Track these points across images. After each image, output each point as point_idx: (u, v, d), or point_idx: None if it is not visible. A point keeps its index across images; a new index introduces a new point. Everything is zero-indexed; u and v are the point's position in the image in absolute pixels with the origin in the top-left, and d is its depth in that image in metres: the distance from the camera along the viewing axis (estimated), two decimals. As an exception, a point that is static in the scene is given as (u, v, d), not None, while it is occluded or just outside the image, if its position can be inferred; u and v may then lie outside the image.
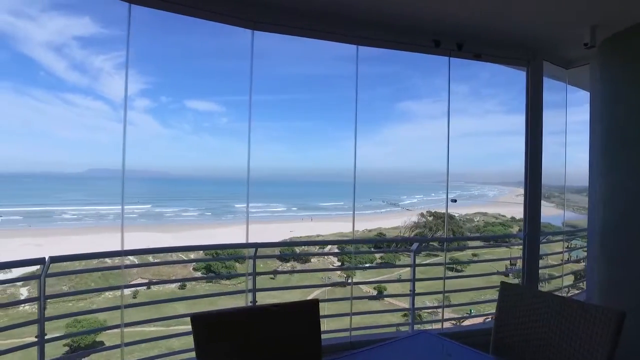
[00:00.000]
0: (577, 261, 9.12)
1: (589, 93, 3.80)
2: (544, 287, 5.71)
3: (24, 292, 17.85)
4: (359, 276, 19.21)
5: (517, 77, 3.82)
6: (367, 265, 20.24)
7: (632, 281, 3.03)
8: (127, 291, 17.06)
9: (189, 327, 1.51)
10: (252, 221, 3.54)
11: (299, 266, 22.53)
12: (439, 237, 27.21)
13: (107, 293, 16.34)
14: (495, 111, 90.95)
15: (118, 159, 2.60)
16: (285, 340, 1.67)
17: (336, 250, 20.16)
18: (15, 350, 2.25)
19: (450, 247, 6.26)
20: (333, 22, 3.03)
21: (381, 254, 23.54)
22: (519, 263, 3.90)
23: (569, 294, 5.38)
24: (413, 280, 3.49)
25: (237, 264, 20.71)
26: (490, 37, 3.39)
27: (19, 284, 18.01)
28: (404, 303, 14.15)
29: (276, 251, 17.74)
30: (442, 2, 2.79)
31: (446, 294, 3.76)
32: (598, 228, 3.39)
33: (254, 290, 3.00)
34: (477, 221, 36.83)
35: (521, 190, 3.96)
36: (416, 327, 3.63)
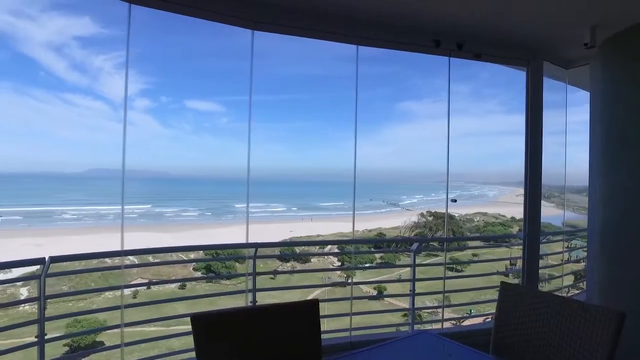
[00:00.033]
0: (577, 261, 9.12)
1: (589, 93, 3.80)
2: (544, 287, 5.71)
3: (24, 292, 17.86)
4: (359, 276, 19.21)
5: (518, 77, 3.82)
6: (367, 265, 20.24)
7: (632, 281, 3.03)
8: (127, 291, 17.07)
9: (189, 327, 1.51)
10: (252, 221, 3.54)
11: (299, 266, 22.53)
12: (439, 237, 27.21)
13: (107, 293, 16.34)
14: (496, 111, 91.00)
15: (118, 159, 2.60)
16: (285, 341, 1.67)
17: (336, 250, 20.17)
18: (15, 350, 2.25)
19: (450, 247, 6.26)
20: (333, 22, 3.03)
21: (381, 254, 23.54)
22: (519, 263, 3.90)
23: (569, 294, 5.38)
24: (413, 280, 3.49)
25: (237, 264, 20.71)
26: (491, 37, 3.39)
27: (19, 284, 18.02)
28: (404, 303, 14.15)
29: (276, 251, 17.74)
30: (442, 2, 2.79)
31: (446, 294, 3.76)
32: (598, 228, 3.39)
33: (254, 290, 3.00)
34: (477, 221, 36.82)
35: (521, 190, 3.96)
36: (416, 327, 3.63)
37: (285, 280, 18.69)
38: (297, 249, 22.06)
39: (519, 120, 3.74)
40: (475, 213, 40.17)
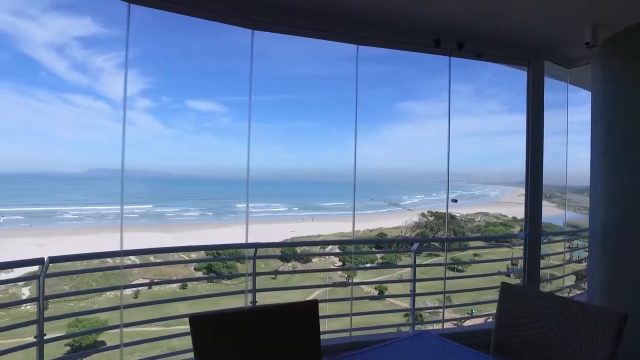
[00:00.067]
0: (579, 261, 9.09)
1: (590, 93, 3.79)
2: (545, 287, 5.69)
3: (25, 292, 17.90)
4: (360, 276, 19.21)
5: (519, 77, 3.81)
6: (368, 265, 20.23)
7: (633, 281, 3.02)
8: (128, 291, 17.08)
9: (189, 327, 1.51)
10: (253, 221, 3.55)
11: (300, 266, 22.54)
12: (440, 237, 27.18)
13: (108, 293, 16.34)
14: (497, 111, 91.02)
15: (118, 159, 2.60)
16: (284, 341, 1.67)
17: (337, 251, 20.18)
18: (15, 350, 2.25)
19: (451, 247, 6.24)
20: (333, 22, 3.03)
21: (382, 254, 23.53)
22: (520, 263, 3.89)
23: (571, 295, 5.37)
24: (414, 280, 3.49)
25: (238, 264, 20.72)
26: (491, 36, 3.38)
27: (20, 283, 18.06)
28: (405, 303, 14.13)
29: (277, 251, 17.73)
30: (442, 2, 2.78)
31: (447, 294, 3.75)
32: (599, 228, 3.38)
33: (254, 290, 3.00)
34: (479, 221, 36.78)
35: (522, 190, 3.95)
36: (417, 327, 3.63)
37: (286, 280, 18.70)
38: (298, 249, 22.05)
39: (520, 120, 3.73)
40: (476, 213, 40.13)
